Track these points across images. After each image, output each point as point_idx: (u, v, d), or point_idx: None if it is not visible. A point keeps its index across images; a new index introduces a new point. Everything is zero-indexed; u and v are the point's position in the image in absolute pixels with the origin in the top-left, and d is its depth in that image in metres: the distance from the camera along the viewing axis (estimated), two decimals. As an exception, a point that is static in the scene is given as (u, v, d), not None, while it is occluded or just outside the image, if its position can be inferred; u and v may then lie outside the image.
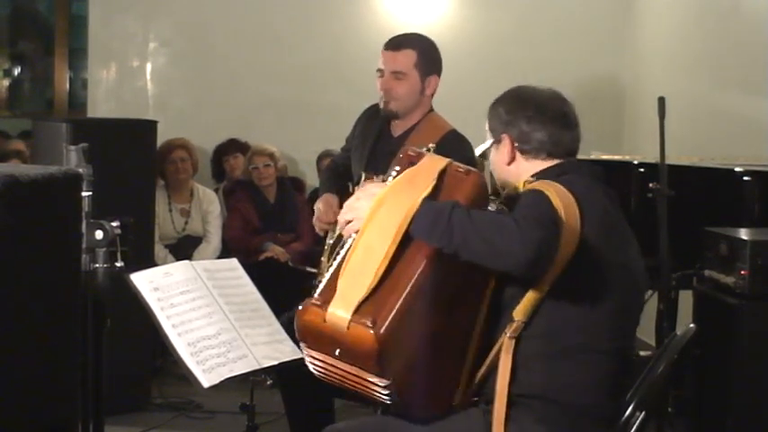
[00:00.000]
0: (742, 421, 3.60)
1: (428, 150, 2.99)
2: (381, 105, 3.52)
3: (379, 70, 3.51)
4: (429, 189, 2.21)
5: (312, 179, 6.53)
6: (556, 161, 2.45)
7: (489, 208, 2.38)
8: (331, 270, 2.22)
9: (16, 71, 8.45)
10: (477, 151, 2.60)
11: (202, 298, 2.68)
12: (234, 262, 2.91)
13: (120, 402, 4.26)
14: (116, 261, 2.64)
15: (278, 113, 6.70)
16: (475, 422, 2.32)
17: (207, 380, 2.52)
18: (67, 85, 7.30)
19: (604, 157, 5.00)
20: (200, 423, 4.60)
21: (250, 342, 2.67)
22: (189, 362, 2.53)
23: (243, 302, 2.78)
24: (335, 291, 2.14)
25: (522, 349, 2.28)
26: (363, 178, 3.44)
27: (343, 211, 2.36)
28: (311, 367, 2.30)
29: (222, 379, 2.55)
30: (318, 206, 3.72)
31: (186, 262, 2.78)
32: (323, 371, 2.28)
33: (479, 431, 2.30)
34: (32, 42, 8.43)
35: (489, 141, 2.53)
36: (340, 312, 2.12)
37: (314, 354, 2.24)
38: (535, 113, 2.45)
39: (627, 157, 5.01)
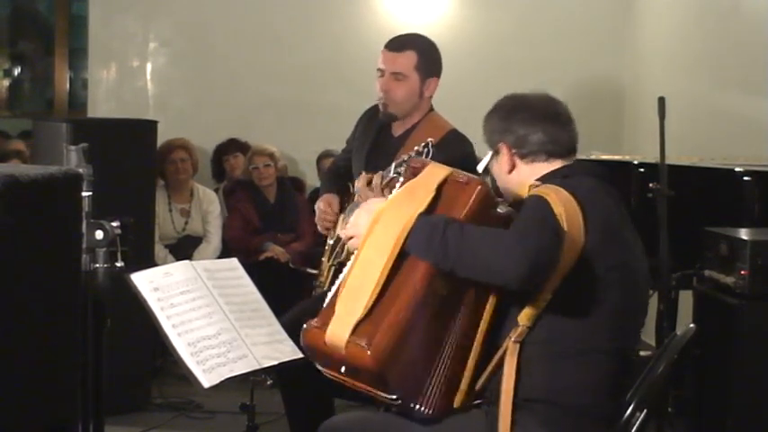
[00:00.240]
0: (742, 421, 3.60)
1: (427, 146, 3.01)
2: (380, 107, 3.52)
3: (380, 70, 3.50)
4: (426, 203, 2.22)
5: (312, 179, 6.53)
6: (558, 162, 2.44)
7: (498, 210, 2.37)
8: (333, 290, 2.28)
9: (16, 71, 8.45)
10: (480, 167, 2.58)
11: (202, 298, 2.68)
12: (234, 262, 2.91)
13: (120, 402, 4.26)
14: (116, 261, 2.64)
15: (278, 113, 6.70)
16: (476, 423, 2.32)
17: (207, 380, 2.52)
18: (67, 85, 7.30)
19: (604, 157, 4.99)
20: (200, 423, 4.60)
21: (250, 342, 2.67)
22: (189, 362, 2.53)
23: (243, 302, 2.78)
24: (333, 312, 2.20)
25: (524, 353, 2.28)
26: (362, 177, 3.43)
27: (346, 227, 2.38)
28: (327, 375, 2.35)
29: (222, 379, 2.54)
30: (319, 206, 3.73)
31: (186, 262, 2.78)
32: (337, 381, 2.34)
33: (480, 433, 2.30)
34: (32, 42, 8.43)
35: (489, 155, 2.53)
36: (338, 334, 2.17)
37: (323, 369, 2.32)
38: (528, 116, 2.45)
39: (627, 157, 5.01)
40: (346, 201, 3.72)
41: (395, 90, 3.46)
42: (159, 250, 5.46)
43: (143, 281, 2.62)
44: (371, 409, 3.57)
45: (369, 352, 2.12)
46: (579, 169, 2.45)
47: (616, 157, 5.07)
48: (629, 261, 2.36)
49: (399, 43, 3.50)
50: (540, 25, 6.78)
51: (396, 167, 3.12)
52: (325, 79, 6.69)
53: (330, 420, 2.56)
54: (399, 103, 3.47)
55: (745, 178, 4.11)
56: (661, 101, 3.83)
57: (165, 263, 4.84)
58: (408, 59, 3.46)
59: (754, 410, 3.59)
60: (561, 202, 2.22)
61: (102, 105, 6.79)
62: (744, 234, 3.74)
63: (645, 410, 2.39)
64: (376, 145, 3.58)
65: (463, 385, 2.30)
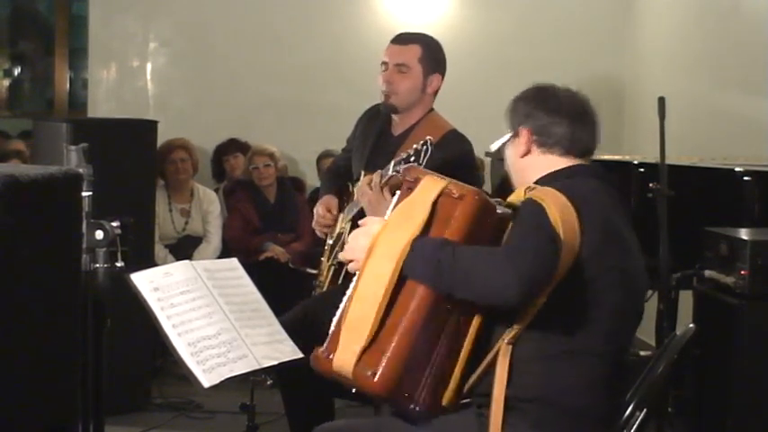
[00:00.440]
0: (742, 421, 3.60)
1: (426, 144, 3.01)
2: (382, 99, 3.52)
3: (384, 63, 3.51)
4: (420, 225, 2.22)
5: (312, 179, 6.53)
6: (569, 160, 2.44)
7: (498, 211, 2.37)
8: (337, 314, 2.32)
9: (16, 71, 8.45)
10: (494, 147, 2.60)
11: (202, 298, 2.68)
12: (234, 262, 2.91)
13: (120, 402, 4.26)
14: (116, 261, 2.64)
15: (278, 113, 6.70)
16: (469, 424, 2.32)
17: (207, 380, 2.52)
18: (68, 85, 7.30)
19: (604, 157, 4.99)
20: (200, 423, 4.60)
21: (250, 342, 2.67)
22: (189, 362, 2.53)
23: (243, 302, 2.78)
24: (338, 341, 2.25)
25: (516, 353, 2.28)
26: (362, 176, 3.44)
27: (345, 250, 2.39)
28: None
29: (222, 379, 2.54)
30: (318, 210, 3.73)
31: (186, 262, 2.77)
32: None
33: (473, 434, 2.30)
34: (32, 42, 8.43)
35: (506, 137, 2.53)
36: (344, 363, 2.24)
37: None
38: (557, 107, 2.46)
39: (627, 157, 5.01)
40: (346, 200, 3.72)
41: (398, 82, 3.47)
42: (159, 250, 5.46)
43: (143, 281, 2.62)
44: (370, 409, 3.57)
45: (375, 380, 2.19)
46: (583, 170, 2.44)
47: (616, 157, 5.07)
48: (628, 264, 2.35)
49: (405, 37, 3.53)
50: (540, 25, 6.78)
51: (395, 166, 3.12)
52: (325, 79, 6.69)
53: (321, 427, 2.55)
54: (402, 96, 3.48)
55: (745, 178, 4.11)
56: (661, 101, 3.83)
57: (165, 263, 4.84)
58: (413, 52, 3.47)
59: (754, 410, 3.59)
60: (557, 207, 2.22)
61: (102, 105, 6.79)
62: (744, 234, 3.74)
63: (645, 410, 2.39)
64: (376, 144, 3.59)
65: (452, 384, 2.30)
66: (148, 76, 6.84)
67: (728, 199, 4.18)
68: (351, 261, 2.36)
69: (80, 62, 7.42)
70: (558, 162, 2.45)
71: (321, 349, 2.30)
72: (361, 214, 3.42)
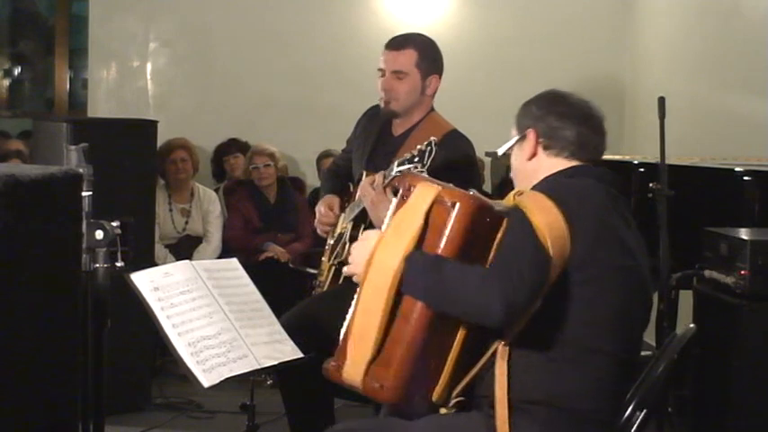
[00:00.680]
0: (742, 421, 3.60)
1: (430, 144, 3.01)
2: (382, 105, 3.52)
3: (380, 70, 3.51)
4: (414, 238, 2.24)
5: (312, 179, 6.53)
6: (574, 163, 2.44)
7: (496, 208, 2.37)
8: (344, 326, 2.34)
9: (16, 71, 8.45)
10: (501, 150, 2.58)
11: (203, 298, 2.68)
12: (234, 262, 2.91)
13: (120, 402, 4.26)
14: (116, 261, 2.64)
15: (278, 113, 6.70)
16: (476, 426, 2.32)
17: (207, 380, 2.52)
18: (68, 85, 7.30)
19: (604, 157, 4.98)
20: (200, 423, 4.60)
21: (250, 342, 2.67)
22: (189, 362, 2.53)
23: (243, 302, 2.78)
24: (346, 353, 2.29)
25: (522, 354, 2.27)
26: (364, 177, 3.44)
27: (349, 264, 2.42)
28: None
29: (222, 379, 2.54)
30: (319, 209, 3.73)
31: (186, 262, 2.78)
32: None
33: (480, 435, 2.30)
34: (32, 42, 8.43)
35: (514, 139, 2.53)
36: (353, 376, 2.28)
37: None
38: (565, 111, 2.46)
39: (627, 157, 5.01)
40: (347, 201, 3.72)
41: (396, 88, 3.47)
42: (159, 250, 5.46)
43: (143, 281, 2.62)
44: (370, 409, 3.57)
45: (384, 392, 2.25)
46: (583, 170, 2.44)
47: (616, 157, 5.07)
48: (630, 262, 2.34)
49: (399, 42, 3.51)
50: (540, 25, 6.78)
51: (398, 166, 3.12)
52: (325, 79, 6.69)
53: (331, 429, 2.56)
54: (402, 100, 3.48)
55: (745, 178, 4.11)
56: (661, 101, 3.83)
57: (165, 263, 4.83)
58: (409, 57, 3.47)
59: (754, 410, 3.59)
60: (542, 213, 2.21)
61: (102, 105, 6.79)
62: (744, 234, 3.74)
63: (645, 410, 2.39)
64: (377, 145, 3.59)
65: (442, 380, 2.32)
66: (148, 76, 6.84)
67: (728, 199, 4.18)
68: (355, 274, 2.37)
69: (80, 62, 7.42)
70: (564, 165, 2.45)
71: (331, 361, 2.34)
72: (363, 214, 3.42)
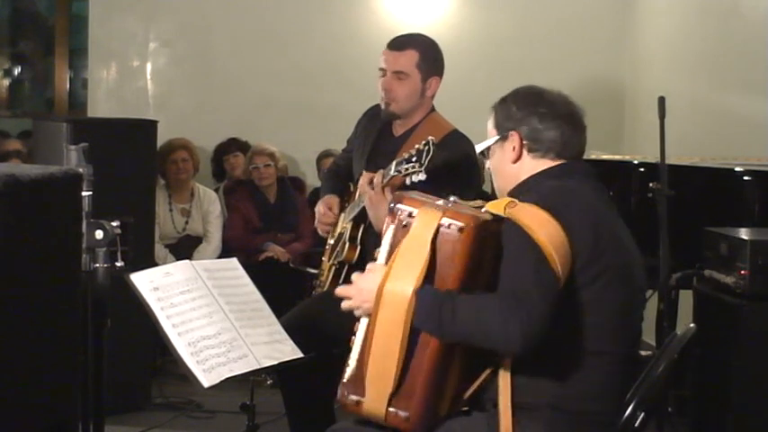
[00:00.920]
0: (742, 421, 3.60)
1: (428, 144, 3.00)
2: (382, 106, 3.52)
3: (381, 70, 3.50)
4: (422, 273, 2.21)
5: (312, 179, 6.53)
6: (557, 162, 2.43)
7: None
8: (355, 356, 2.33)
9: (16, 71, 8.44)
10: (478, 149, 2.56)
11: (203, 297, 2.68)
12: (234, 262, 2.91)
13: (120, 402, 4.26)
14: (116, 261, 2.64)
15: (278, 113, 6.70)
16: (479, 426, 2.32)
17: (207, 379, 2.52)
18: (67, 85, 7.29)
19: (604, 156, 5.00)
20: (200, 423, 4.60)
21: (250, 342, 2.67)
22: (189, 361, 2.53)
23: (243, 302, 2.78)
24: (364, 385, 2.27)
25: (525, 357, 2.27)
26: (363, 176, 3.43)
27: (351, 299, 2.37)
28: None
29: (222, 379, 2.55)
30: (319, 208, 3.73)
31: (186, 261, 2.78)
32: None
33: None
34: (32, 42, 8.42)
35: (493, 139, 2.49)
36: (375, 409, 2.27)
37: None
38: (549, 112, 2.43)
39: (627, 157, 5.01)
40: (346, 201, 3.72)
41: (397, 89, 3.46)
42: (159, 250, 5.46)
43: (143, 281, 2.62)
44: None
45: (409, 423, 2.25)
46: (568, 169, 2.41)
47: (616, 157, 5.07)
48: (625, 259, 2.33)
49: (400, 42, 3.50)
50: (539, 25, 6.78)
51: (396, 166, 3.12)
52: (325, 79, 6.69)
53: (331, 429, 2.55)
54: (401, 102, 3.47)
55: (745, 178, 4.11)
56: (661, 101, 3.83)
57: (165, 263, 4.84)
58: (410, 58, 3.46)
59: (754, 410, 3.59)
60: (542, 228, 2.20)
61: (102, 105, 6.79)
62: (744, 234, 3.74)
63: (645, 410, 2.38)
64: (377, 145, 3.58)
65: (449, 394, 2.31)
66: (148, 76, 6.84)
67: (728, 199, 4.18)
68: (358, 308, 2.35)
69: (80, 62, 7.42)
70: (548, 164, 2.43)
71: (345, 393, 2.32)
72: (362, 214, 3.42)
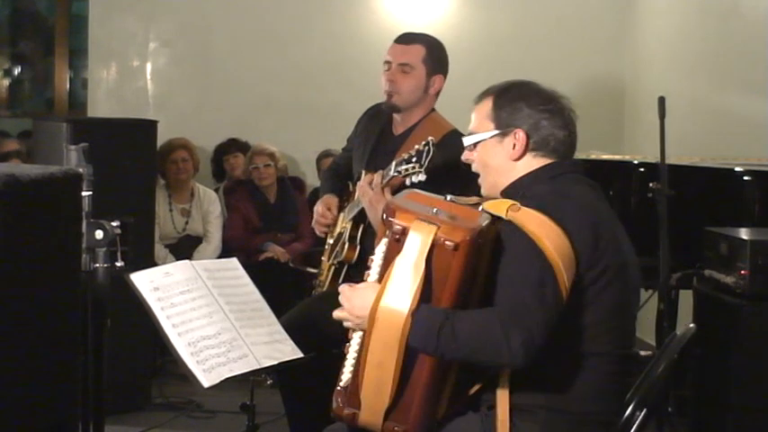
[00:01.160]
0: (742, 421, 3.60)
1: (428, 144, 2.99)
2: (385, 98, 3.52)
3: (386, 63, 3.51)
4: (418, 292, 2.16)
5: (312, 179, 6.53)
6: (551, 160, 2.41)
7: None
8: (349, 367, 2.32)
9: (16, 71, 8.44)
10: (470, 140, 2.47)
11: (203, 297, 2.68)
12: (234, 261, 2.91)
13: (120, 402, 4.26)
14: (116, 261, 2.64)
15: (278, 113, 6.70)
16: (473, 427, 2.31)
17: (207, 379, 2.52)
18: (67, 85, 7.29)
19: (604, 156, 5.00)
20: (200, 423, 4.60)
21: (250, 342, 2.67)
22: (189, 361, 2.53)
23: (243, 302, 2.78)
24: (359, 398, 2.25)
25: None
26: (363, 176, 3.44)
27: (343, 312, 2.34)
28: None
29: (222, 379, 2.55)
30: (317, 208, 3.73)
31: (186, 261, 2.78)
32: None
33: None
34: (32, 42, 8.42)
35: (491, 132, 2.43)
36: (371, 424, 2.26)
37: None
38: (557, 116, 2.40)
39: (627, 157, 5.01)
40: (346, 200, 3.72)
41: (401, 81, 3.47)
42: (159, 250, 5.46)
43: (143, 281, 2.62)
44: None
45: None
46: (564, 169, 2.40)
47: (616, 157, 5.07)
48: (621, 259, 2.33)
49: (409, 37, 3.54)
50: (539, 25, 6.78)
51: (396, 166, 3.12)
52: (325, 79, 6.69)
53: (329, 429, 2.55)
54: (405, 95, 3.48)
55: (745, 178, 4.11)
56: (661, 101, 3.83)
57: (165, 263, 4.84)
58: (417, 52, 3.48)
59: (754, 410, 3.59)
60: (545, 233, 2.18)
61: (102, 105, 6.79)
62: (744, 234, 3.74)
63: (645, 410, 2.39)
64: (377, 144, 3.59)
65: (445, 398, 2.31)
66: (148, 76, 6.84)
67: (728, 199, 4.18)
68: (348, 321, 2.33)
69: (80, 62, 7.42)
70: (541, 163, 2.40)
71: (341, 404, 2.31)
72: (362, 214, 3.42)
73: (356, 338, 2.32)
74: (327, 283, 3.67)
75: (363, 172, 3.46)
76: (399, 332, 2.16)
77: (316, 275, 3.98)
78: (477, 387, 2.35)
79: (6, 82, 8.34)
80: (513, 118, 2.40)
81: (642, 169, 4.47)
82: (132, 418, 4.49)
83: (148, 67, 6.85)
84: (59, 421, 2.37)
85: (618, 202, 4.43)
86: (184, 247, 5.68)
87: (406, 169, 3.04)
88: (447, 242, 2.16)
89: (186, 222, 5.81)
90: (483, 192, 2.49)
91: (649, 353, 3.73)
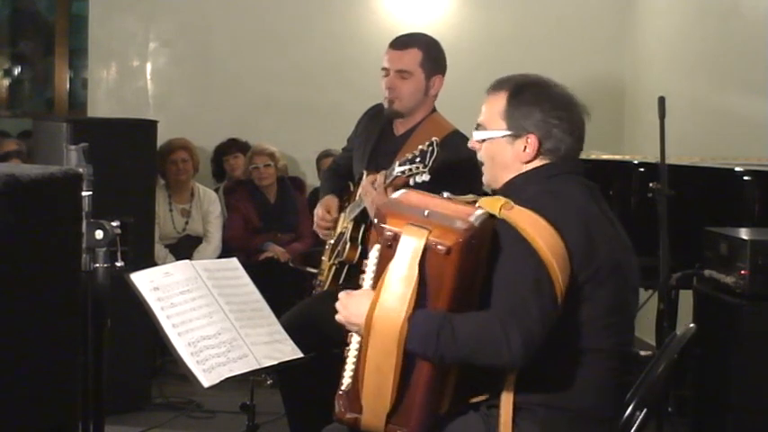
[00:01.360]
0: (742, 421, 3.60)
1: (432, 145, 2.99)
2: (386, 105, 3.52)
3: (384, 69, 3.51)
4: (413, 298, 2.15)
5: (312, 179, 6.53)
6: (548, 161, 2.41)
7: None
8: (349, 372, 2.32)
9: (16, 71, 8.44)
10: (480, 136, 2.44)
11: (202, 297, 2.68)
12: (234, 261, 2.91)
13: (120, 402, 4.26)
14: (116, 261, 2.64)
15: (278, 113, 6.70)
16: (475, 426, 2.32)
17: (207, 379, 2.52)
18: (67, 85, 7.29)
19: (604, 156, 5.00)
20: (200, 423, 4.60)
21: (250, 342, 2.67)
22: (189, 361, 2.53)
23: (243, 302, 2.78)
24: (360, 403, 2.25)
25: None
26: (365, 176, 3.44)
27: (340, 316, 2.34)
28: None
29: (222, 379, 2.55)
30: (317, 211, 3.73)
31: (186, 261, 2.78)
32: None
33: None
34: (32, 42, 8.42)
35: (502, 132, 2.41)
36: (373, 425, 2.26)
37: None
38: (567, 119, 2.38)
39: (627, 157, 5.01)
40: (346, 200, 3.72)
41: (400, 88, 3.46)
42: (159, 250, 5.46)
43: (143, 281, 2.62)
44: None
45: None
46: (559, 168, 2.39)
47: (616, 157, 5.07)
48: (616, 256, 2.33)
49: (404, 41, 3.51)
50: (539, 25, 6.78)
51: (399, 166, 3.12)
52: (325, 79, 6.69)
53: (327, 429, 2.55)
54: (405, 100, 3.48)
55: (745, 178, 4.12)
56: (661, 101, 3.83)
57: (165, 263, 4.83)
58: (413, 57, 3.47)
59: (754, 410, 3.59)
60: (538, 232, 2.19)
61: (102, 105, 6.79)
62: (744, 234, 3.74)
63: (645, 410, 2.39)
64: (378, 144, 3.59)
65: (448, 394, 2.31)
66: (148, 76, 6.84)
67: (728, 199, 4.18)
68: (349, 328, 2.33)
69: (80, 62, 7.42)
70: (540, 162, 2.40)
71: (342, 409, 2.31)
72: (363, 214, 3.42)
73: (355, 342, 2.32)
74: (328, 283, 3.67)
75: (365, 172, 3.46)
76: (396, 339, 2.16)
77: (316, 275, 3.98)
78: (482, 398, 2.35)
79: (6, 82, 8.34)
80: (527, 122, 2.38)
81: (642, 169, 4.47)
82: (132, 418, 4.49)
83: (148, 67, 6.85)
84: (59, 421, 2.37)
85: (618, 202, 4.43)
86: (184, 247, 5.68)
87: (410, 169, 3.04)
88: (439, 246, 2.13)
89: (186, 222, 5.81)
90: (484, 179, 2.50)
91: (649, 353, 3.73)
